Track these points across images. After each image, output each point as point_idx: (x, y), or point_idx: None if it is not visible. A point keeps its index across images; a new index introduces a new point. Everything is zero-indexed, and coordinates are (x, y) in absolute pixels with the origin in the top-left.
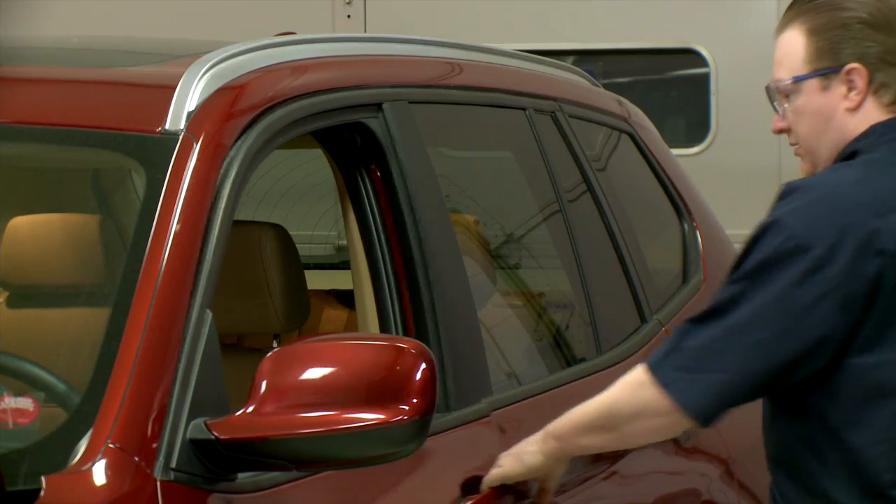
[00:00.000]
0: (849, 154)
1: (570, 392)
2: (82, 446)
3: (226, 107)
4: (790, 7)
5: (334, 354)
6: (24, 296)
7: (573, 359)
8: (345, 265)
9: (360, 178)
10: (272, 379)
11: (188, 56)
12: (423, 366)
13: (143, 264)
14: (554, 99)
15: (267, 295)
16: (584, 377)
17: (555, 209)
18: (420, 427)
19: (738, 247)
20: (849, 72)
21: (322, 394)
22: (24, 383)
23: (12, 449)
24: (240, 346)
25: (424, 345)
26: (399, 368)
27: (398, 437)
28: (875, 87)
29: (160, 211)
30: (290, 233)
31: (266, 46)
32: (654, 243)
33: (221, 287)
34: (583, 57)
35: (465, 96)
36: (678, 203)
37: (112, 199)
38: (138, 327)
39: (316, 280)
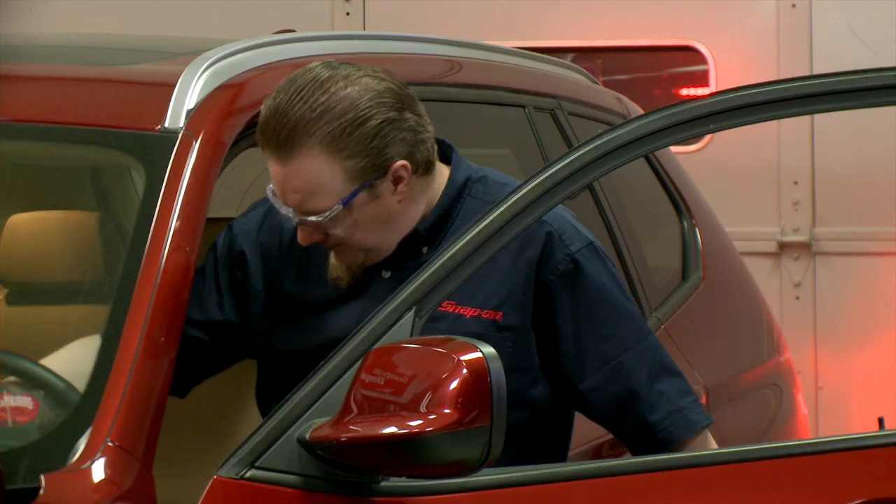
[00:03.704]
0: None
1: None
2: (82, 444)
3: (225, 105)
4: (292, 133)
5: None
6: (23, 293)
7: None
8: None
9: None
10: None
11: (187, 54)
12: (476, 372)
13: (143, 262)
14: (553, 96)
15: None
16: None
17: None
18: (481, 434)
19: (737, 245)
20: (394, 171)
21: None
22: (24, 381)
23: (12, 447)
24: None
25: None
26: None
27: (463, 444)
28: (415, 168)
29: (160, 209)
30: None
31: (265, 44)
32: (654, 241)
33: None
34: (582, 54)
35: (464, 94)
36: (678, 200)
37: (111, 197)
38: (138, 325)
39: None
